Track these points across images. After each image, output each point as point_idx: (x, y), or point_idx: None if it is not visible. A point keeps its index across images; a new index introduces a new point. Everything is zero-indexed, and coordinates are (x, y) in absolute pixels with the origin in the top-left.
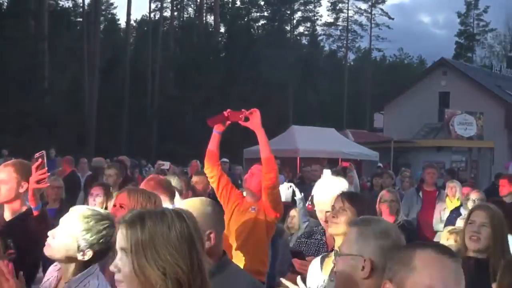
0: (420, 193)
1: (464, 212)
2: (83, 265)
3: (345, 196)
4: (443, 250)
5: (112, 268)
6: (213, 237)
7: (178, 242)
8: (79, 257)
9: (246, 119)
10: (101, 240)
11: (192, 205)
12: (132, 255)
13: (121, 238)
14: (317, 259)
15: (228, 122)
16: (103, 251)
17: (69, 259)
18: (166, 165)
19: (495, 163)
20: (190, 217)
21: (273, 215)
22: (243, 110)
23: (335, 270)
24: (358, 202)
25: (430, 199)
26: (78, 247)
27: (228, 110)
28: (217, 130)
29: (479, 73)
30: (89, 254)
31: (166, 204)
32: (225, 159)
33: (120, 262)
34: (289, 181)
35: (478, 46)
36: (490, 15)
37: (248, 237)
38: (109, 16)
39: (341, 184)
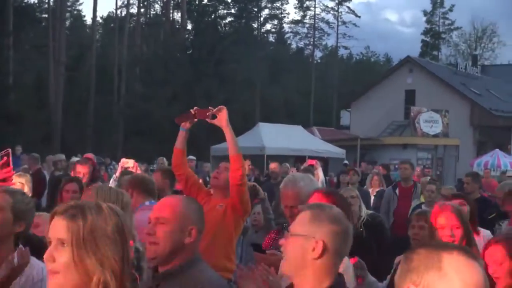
0: (397, 190)
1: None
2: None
3: (321, 192)
4: (470, 253)
5: (46, 257)
6: (193, 233)
7: (113, 235)
8: None
9: (214, 116)
10: None
11: (177, 200)
12: (73, 246)
13: (59, 229)
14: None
15: (195, 120)
16: None
17: None
18: (131, 162)
19: (460, 161)
20: (121, 213)
21: (241, 212)
22: (210, 107)
23: (282, 250)
24: (335, 197)
25: (406, 195)
26: None
27: (195, 108)
28: (183, 128)
29: (444, 71)
30: None
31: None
32: (192, 157)
33: (56, 253)
34: (255, 179)
35: (444, 44)
36: (456, 14)
37: (216, 234)
38: (75, 12)
39: (308, 181)
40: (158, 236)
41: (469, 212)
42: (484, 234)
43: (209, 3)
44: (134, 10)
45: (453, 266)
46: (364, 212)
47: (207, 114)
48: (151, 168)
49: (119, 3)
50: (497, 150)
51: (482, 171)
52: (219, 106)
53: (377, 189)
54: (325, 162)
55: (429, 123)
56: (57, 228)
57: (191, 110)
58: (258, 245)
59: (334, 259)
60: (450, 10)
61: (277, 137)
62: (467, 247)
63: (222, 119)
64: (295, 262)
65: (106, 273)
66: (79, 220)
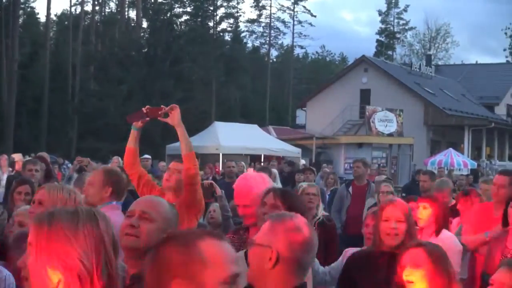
0: (350, 188)
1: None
2: None
3: (277, 192)
4: (219, 235)
5: (20, 263)
6: None
7: (84, 239)
8: None
9: (166, 115)
10: None
11: (163, 202)
12: (36, 249)
13: (30, 233)
14: (240, 254)
15: (147, 119)
16: None
17: None
18: (85, 161)
19: (415, 160)
20: (103, 217)
21: (194, 211)
22: (162, 106)
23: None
24: (290, 198)
25: (360, 194)
26: None
27: (147, 106)
28: (135, 127)
29: (399, 71)
30: None
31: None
32: (147, 156)
33: (26, 257)
34: (212, 178)
35: (398, 44)
36: (410, 14)
37: None
38: (28, 9)
39: (261, 180)
40: (142, 231)
41: (432, 215)
42: (446, 235)
43: (164, 2)
44: (88, 7)
45: (211, 250)
46: (321, 212)
47: (159, 113)
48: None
49: (74, 1)
50: (451, 149)
51: (436, 170)
52: (171, 105)
53: (331, 188)
54: (280, 161)
55: (384, 122)
56: (30, 233)
57: (143, 108)
58: None
59: (292, 269)
60: (405, 10)
61: (232, 136)
62: (216, 231)
63: (174, 117)
64: (255, 271)
65: (68, 276)
66: (44, 223)
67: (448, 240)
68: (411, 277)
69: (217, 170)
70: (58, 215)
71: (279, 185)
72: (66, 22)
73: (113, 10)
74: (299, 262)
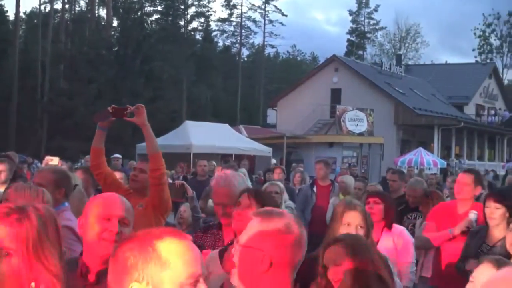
0: (315, 188)
1: None
2: None
3: (251, 192)
4: (179, 233)
5: None
6: None
7: (53, 238)
8: None
9: (131, 115)
10: None
11: (131, 205)
12: (21, 254)
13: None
14: (215, 253)
15: (113, 119)
16: None
17: None
18: (55, 160)
19: (385, 159)
20: (55, 214)
21: (161, 210)
22: (128, 106)
23: (234, 259)
24: (263, 198)
25: (324, 194)
26: None
27: (113, 106)
28: (101, 127)
29: (369, 71)
30: None
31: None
32: (117, 155)
33: None
34: (183, 178)
35: (369, 44)
36: (381, 14)
37: None
38: None
39: (241, 180)
40: (122, 237)
41: (383, 210)
42: (398, 229)
43: (135, 0)
44: (58, 6)
45: (170, 251)
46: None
47: (125, 112)
48: (76, 166)
49: None
50: (420, 148)
51: (406, 169)
52: (137, 105)
53: (299, 186)
54: (252, 160)
55: (354, 121)
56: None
57: (108, 108)
58: (198, 244)
59: (285, 270)
60: (375, 10)
61: (203, 135)
62: (175, 229)
63: (140, 117)
64: (245, 274)
65: (50, 279)
66: (24, 224)
67: (400, 233)
68: (336, 275)
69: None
70: (32, 213)
71: (249, 184)
72: (35, 20)
73: (83, 9)
74: (292, 262)
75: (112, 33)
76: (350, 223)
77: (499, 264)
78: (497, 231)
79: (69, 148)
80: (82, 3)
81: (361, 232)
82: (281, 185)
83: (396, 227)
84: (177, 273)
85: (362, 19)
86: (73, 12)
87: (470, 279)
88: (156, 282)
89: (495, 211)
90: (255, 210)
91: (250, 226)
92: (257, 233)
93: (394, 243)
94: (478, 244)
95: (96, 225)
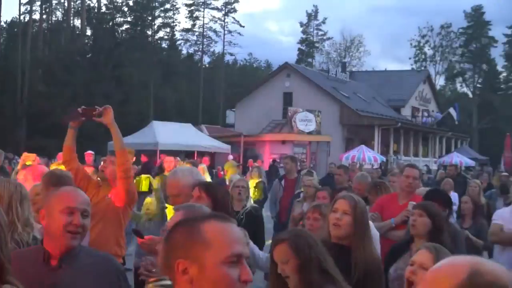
0: (283, 182)
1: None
2: None
3: (201, 186)
4: (223, 217)
5: None
6: None
7: None
8: None
9: (99, 115)
10: None
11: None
12: None
13: None
14: None
15: (83, 119)
16: None
17: None
18: (32, 157)
19: (331, 155)
20: None
21: (128, 202)
22: (96, 107)
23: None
24: (213, 191)
25: (291, 186)
26: None
27: (82, 107)
28: (72, 126)
29: (318, 76)
30: None
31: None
32: (90, 151)
33: None
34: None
35: (317, 52)
36: (328, 26)
37: (106, 223)
38: None
39: (188, 173)
40: (84, 229)
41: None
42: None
43: (107, 12)
44: (36, 16)
45: (214, 231)
46: (250, 203)
47: (94, 113)
48: (51, 162)
49: (22, 10)
50: (363, 146)
51: (349, 164)
52: (105, 106)
53: (257, 181)
54: (212, 156)
55: (304, 122)
56: None
57: (79, 109)
58: (138, 231)
59: None
60: (323, 22)
61: (169, 134)
62: (220, 213)
63: (107, 117)
64: None
65: None
66: None
67: None
68: (284, 272)
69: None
70: None
71: (208, 178)
72: (15, 29)
73: (59, 19)
74: None
75: (86, 41)
76: (337, 209)
77: (434, 250)
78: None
79: (47, 146)
80: (59, 14)
81: (345, 219)
82: (247, 182)
83: None
84: (219, 253)
85: (312, 30)
86: (50, 22)
87: (410, 262)
88: (200, 261)
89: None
90: (179, 205)
91: (174, 216)
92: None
93: None
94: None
95: (60, 218)
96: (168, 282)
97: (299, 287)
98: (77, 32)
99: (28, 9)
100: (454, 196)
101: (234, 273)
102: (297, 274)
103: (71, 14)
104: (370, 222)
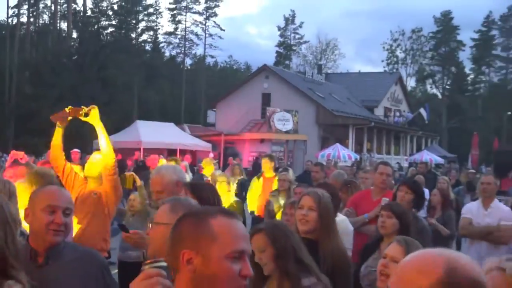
0: (261, 180)
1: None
2: None
3: (187, 186)
4: (230, 214)
5: None
6: None
7: None
8: None
9: (86, 114)
10: None
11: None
12: None
13: None
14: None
15: (70, 118)
16: None
17: None
18: (20, 154)
19: (308, 153)
20: (5, 204)
21: (113, 198)
22: (82, 107)
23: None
24: (198, 189)
25: (269, 184)
26: None
27: (69, 107)
28: (60, 125)
29: (295, 78)
30: None
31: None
32: (76, 149)
33: None
34: (133, 170)
35: (294, 55)
36: (305, 30)
37: (92, 218)
38: None
39: (171, 170)
40: (67, 227)
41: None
42: (340, 218)
43: (92, 15)
44: (24, 19)
45: (221, 226)
46: (233, 198)
47: (80, 112)
48: (38, 160)
49: (10, 13)
50: (337, 144)
51: (325, 162)
52: (91, 106)
53: (238, 178)
54: (194, 154)
55: (282, 121)
56: None
57: (66, 109)
58: (123, 225)
59: None
60: (300, 26)
61: (152, 132)
62: (227, 209)
63: (93, 117)
64: (158, 246)
65: None
66: None
67: (342, 223)
68: (261, 260)
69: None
70: None
71: (190, 175)
72: (3, 32)
73: (46, 22)
74: None
75: (72, 44)
76: (303, 205)
77: (405, 243)
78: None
79: (34, 144)
80: (45, 17)
81: (311, 214)
82: (228, 177)
83: (339, 216)
84: (224, 247)
85: (289, 34)
86: (37, 25)
87: (383, 255)
88: (205, 252)
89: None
90: (165, 199)
91: (161, 208)
92: (169, 212)
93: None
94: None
95: (43, 217)
96: (164, 264)
97: (274, 275)
98: (64, 35)
99: (16, 12)
100: (425, 192)
101: (236, 268)
102: (273, 263)
103: (58, 18)
104: (345, 217)
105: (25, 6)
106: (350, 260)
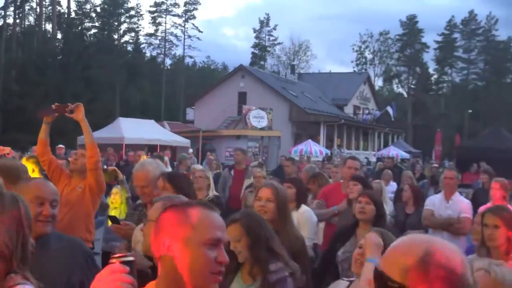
0: (233, 171)
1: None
2: None
3: (165, 176)
4: (208, 206)
5: None
6: None
7: (9, 222)
8: None
9: (71, 111)
10: None
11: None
12: None
13: None
14: (139, 228)
15: (56, 114)
16: None
17: None
18: (7, 150)
19: (282, 149)
20: (23, 202)
21: (97, 191)
22: (68, 104)
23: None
24: (176, 180)
25: (240, 177)
26: None
27: (56, 104)
28: (46, 121)
29: (269, 78)
30: None
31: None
32: (61, 145)
33: None
34: (116, 164)
35: (269, 56)
36: (279, 32)
37: (77, 211)
38: None
39: (155, 165)
40: (54, 218)
41: (295, 193)
42: (304, 209)
43: (76, 17)
44: (10, 20)
45: (199, 217)
46: (212, 192)
47: (66, 109)
48: (25, 155)
49: None
50: (310, 140)
51: (298, 157)
52: (76, 103)
53: (215, 172)
54: (173, 150)
55: (257, 118)
56: None
57: (52, 106)
58: (114, 217)
59: None
60: (274, 29)
61: (134, 129)
62: (207, 202)
63: (78, 114)
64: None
65: None
66: None
67: (305, 213)
68: (236, 248)
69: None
70: None
71: (169, 168)
72: None
73: (32, 23)
74: None
75: (57, 44)
76: (260, 197)
77: (380, 234)
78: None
79: (21, 140)
80: (31, 18)
81: (269, 205)
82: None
83: (303, 207)
84: (202, 235)
85: (264, 36)
86: (23, 26)
87: (358, 245)
88: (184, 240)
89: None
90: (161, 197)
91: (155, 206)
92: (157, 209)
93: (297, 221)
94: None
95: (31, 208)
96: (131, 259)
97: (248, 262)
98: (49, 35)
99: (2, 13)
100: (393, 185)
101: (212, 254)
102: (247, 251)
103: (43, 19)
104: (309, 208)
105: (12, 8)
106: (307, 248)
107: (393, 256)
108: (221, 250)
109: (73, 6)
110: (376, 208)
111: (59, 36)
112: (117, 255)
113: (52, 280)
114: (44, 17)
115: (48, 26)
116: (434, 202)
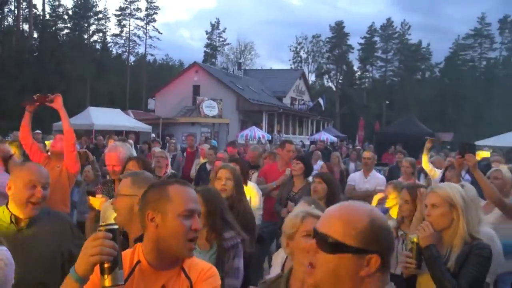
0: (185, 153)
1: (209, 166)
2: None
3: (135, 160)
4: (184, 183)
5: None
6: None
7: None
8: None
9: (51, 101)
10: None
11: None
12: None
13: None
14: (109, 201)
15: (37, 104)
16: None
17: None
18: None
19: (230, 134)
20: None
21: (73, 170)
22: (48, 94)
23: (114, 207)
24: (144, 163)
25: (191, 158)
26: None
27: (37, 94)
28: (28, 110)
29: (219, 73)
30: None
31: None
32: (38, 131)
33: None
34: (86, 147)
35: (219, 54)
36: (227, 34)
37: (55, 187)
38: None
39: (126, 148)
40: (45, 198)
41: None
42: (251, 184)
43: (51, 19)
44: None
45: (175, 192)
46: (170, 170)
47: (46, 99)
48: (6, 139)
49: None
50: (254, 126)
51: (244, 141)
52: (56, 94)
53: (172, 153)
54: (137, 135)
55: (209, 108)
56: None
57: (34, 96)
58: (92, 191)
59: None
60: (224, 31)
61: (102, 117)
62: (183, 180)
63: (58, 103)
64: (124, 215)
65: None
66: None
67: (254, 187)
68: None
69: (91, 140)
70: None
71: (134, 151)
72: None
73: (10, 24)
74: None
75: (33, 42)
76: (220, 177)
77: (310, 202)
78: (299, 182)
79: (1, 126)
80: (10, 20)
81: (228, 184)
82: (166, 153)
83: (249, 183)
84: (178, 207)
85: (215, 37)
86: (3, 26)
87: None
88: (163, 212)
89: (297, 167)
90: (125, 173)
91: (124, 181)
92: (131, 185)
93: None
94: (287, 191)
95: (24, 191)
96: (115, 227)
97: (205, 230)
98: (26, 35)
99: None
100: (320, 164)
101: (187, 224)
102: (204, 220)
103: (21, 20)
104: (255, 184)
105: None
106: (254, 218)
107: (335, 226)
108: (195, 219)
109: (48, 9)
110: (328, 187)
111: (35, 35)
112: (103, 223)
113: (46, 249)
114: (21, 18)
115: (25, 27)
116: (355, 178)
